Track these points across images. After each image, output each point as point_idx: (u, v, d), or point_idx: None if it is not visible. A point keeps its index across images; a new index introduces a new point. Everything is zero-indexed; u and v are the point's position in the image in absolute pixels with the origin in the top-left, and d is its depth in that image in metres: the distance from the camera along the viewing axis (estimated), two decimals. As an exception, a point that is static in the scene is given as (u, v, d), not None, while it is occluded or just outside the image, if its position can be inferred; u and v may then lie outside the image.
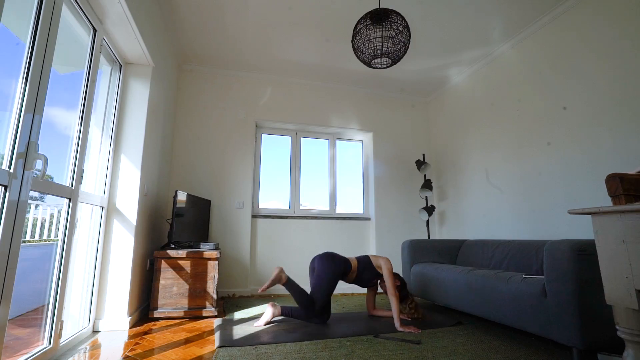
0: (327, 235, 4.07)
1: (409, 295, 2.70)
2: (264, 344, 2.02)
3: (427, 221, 4.13)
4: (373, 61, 2.45)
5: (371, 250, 4.17)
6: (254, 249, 3.82)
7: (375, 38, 2.30)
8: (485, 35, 3.24)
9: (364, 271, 2.63)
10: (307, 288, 3.84)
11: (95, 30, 2.11)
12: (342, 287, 3.94)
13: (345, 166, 4.49)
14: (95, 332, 2.25)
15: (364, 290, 4.01)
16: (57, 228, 1.92)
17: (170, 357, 1.83)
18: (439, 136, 4.46)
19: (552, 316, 1.78)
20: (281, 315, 2.49)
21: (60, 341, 1.84)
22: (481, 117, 3.69)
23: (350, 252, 4.08)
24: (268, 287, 2.39)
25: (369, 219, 4.30)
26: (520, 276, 2.07)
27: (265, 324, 2.41)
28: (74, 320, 2.14)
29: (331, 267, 2.51)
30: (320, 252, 3.94)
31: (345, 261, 2.60)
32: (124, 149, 2.52)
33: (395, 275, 2.69)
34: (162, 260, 2.69)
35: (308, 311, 2.43)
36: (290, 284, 2.48)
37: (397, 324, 2.34)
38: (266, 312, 2.48)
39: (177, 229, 2.85)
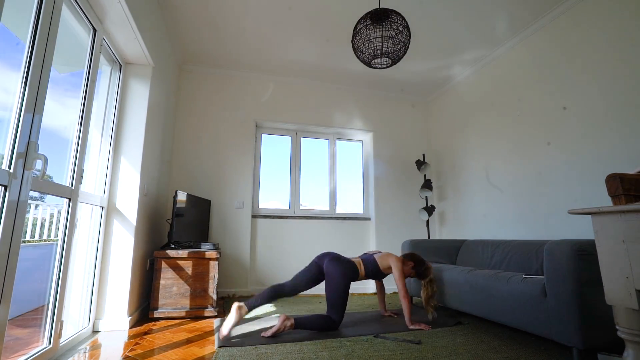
0: (327, 235, 4.07)
1: (428, 273, 2.60)
2: (264, 344, 2.02)
3: (427, 221, 4.13)
4: (373, 61, 2.45)
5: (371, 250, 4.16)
6: (254, 249, 3.82)
7: (375, 38, 2.30)
8: (485, 36, 3.24)
9: (372, 274, 2.55)
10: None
11: (95, 30, 2.11)
12: (342, 287, 3.94)
13: (345, 166, 4.49)
14: (95, 332, 2.25)
15: (364, 290, 4.01)
16: (57, 228, 1.92)
17: (170, 357, 1.83)
18: (439, 136, 4.46)
19: (552, 316, 1.78)
20: (295, 328, 2.22)
21: (60, 341, 1.84)
22: (481, 117, 3.69)
23: (350, 252, 4.07)
24: (274, 333, 2.17)
25: (369, 219, 4.30)
26: (520, 276, 2.07)
27: (273, 335, 2.15)
28: (74, 321, 2.14)
29: (346, 274, 2.38)
30: (321, 251, 3.94)
31: (352, 265, 2.46)
32: (123, 149, 2.52)
33: (409, 257, 2.63)
34: (162, 261, 2.69)
35: (330, 328, 2.30)
36: (301, 324, 2.24)
37: (407, 322, 2.38)
38: (278, 323, 2.18)
39: (177, 229, 2.85)
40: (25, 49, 1.43)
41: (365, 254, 2.68)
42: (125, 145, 2.53)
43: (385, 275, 2.60)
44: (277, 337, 2.17)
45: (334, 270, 2.38)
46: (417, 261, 2.63)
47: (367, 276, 2.55)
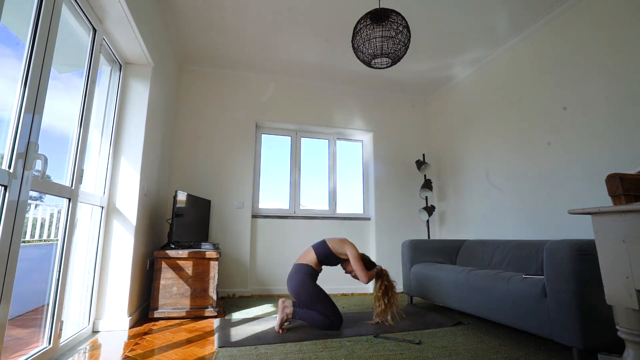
0: (327, 235, 4.06)
1: (380, 275, 2.53)
2: (264, 344, 2.02)
3: (427, 221, 4.13)
4: (373, 61, 2.45)
5: (371, 250, 4.16)
6: (254, 249, 3.82)
7: (375, 38, 2.30)
8: (486, 36, 3.24)
9: (324, 258, 2.49)
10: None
11: (95, 30, 2.11)
12: (342, 287, 3.94)
13: (345, 166, 4.49)
14: (95, 332, 2.25)
15: (364, 290, 4.00)
16: (57, 228, 1.92)
17: (170, 358, 1.83)
18: (439, 136, 4.46)
19: (552, 316, 1.78)
20: (293, 318, 2.36)
21: (60, 341, 1.84)
22: (481, 117, 3.69)
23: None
24: (281, 324, 2.29)
25: (369, 219, 4.30)
26: (520, 276, 2.07)
27: (281, 327, 2.29)
28: (74, 321, 2.14)
29: (304, 279, 2.39)
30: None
31: (302, 266, 2.45)
32: (123, 149, 2.52)
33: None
34: (162, 261, 2.68)
35: (330, 327, 2.33)
36: (300, 315, 2.35)
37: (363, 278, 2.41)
38: (278, 312, 2.34)
39: (177, 229, 2.85)
40: (25, 49, 1.43)
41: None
42: (125, 145, 2.53)
43: (338, 259, 2.51)
44: (287, 329, 2.31)
45: (294, 286, 2.39)
46: (366, 262, 2.53)
47: (321, 262, 2.49)
